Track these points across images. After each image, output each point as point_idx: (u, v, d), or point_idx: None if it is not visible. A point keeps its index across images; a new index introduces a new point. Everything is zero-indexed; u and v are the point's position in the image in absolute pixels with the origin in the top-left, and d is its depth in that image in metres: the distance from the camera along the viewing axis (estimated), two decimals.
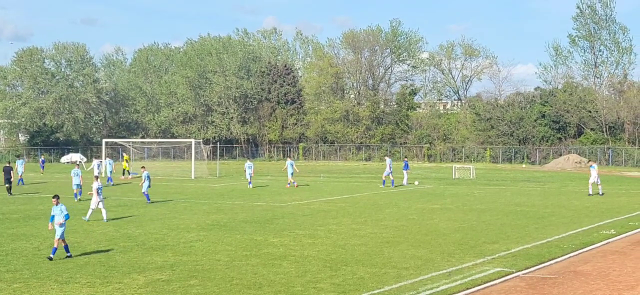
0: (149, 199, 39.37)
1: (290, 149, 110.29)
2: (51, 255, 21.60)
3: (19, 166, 57.61)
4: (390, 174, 53.53)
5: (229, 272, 19.59)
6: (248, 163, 54.89)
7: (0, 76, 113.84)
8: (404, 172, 56.41)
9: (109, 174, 56.62)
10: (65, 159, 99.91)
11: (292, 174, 53.50)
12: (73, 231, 27.55)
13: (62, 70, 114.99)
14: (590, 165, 48.66)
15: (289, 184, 53.11)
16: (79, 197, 42.20)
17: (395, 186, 52.27)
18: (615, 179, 64.81)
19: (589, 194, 44.70)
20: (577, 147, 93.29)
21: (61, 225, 22.09)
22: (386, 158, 58.56)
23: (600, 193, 44.85)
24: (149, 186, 40.38)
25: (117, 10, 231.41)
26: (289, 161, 54.88)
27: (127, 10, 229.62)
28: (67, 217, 22.34)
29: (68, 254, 22.05)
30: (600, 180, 45.89)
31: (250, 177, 53.12)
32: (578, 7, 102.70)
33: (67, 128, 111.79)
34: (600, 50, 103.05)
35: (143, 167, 41.03)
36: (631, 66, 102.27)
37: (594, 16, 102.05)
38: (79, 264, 20.91)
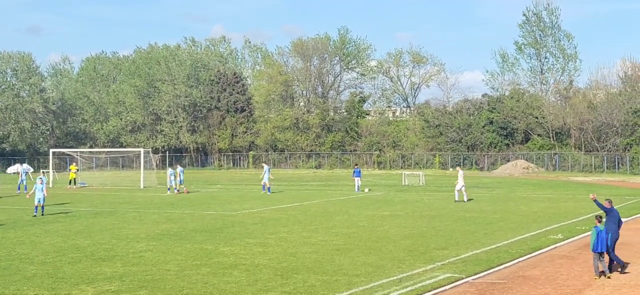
0: (38, 211, 37.16)
1: (240, 157, 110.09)
2: None
3: None
4: (267, 181, 54.38)
5: (179, 282, 19.46)
6: (170, 170, 56.33)
7: None
8: (355, 179, 56.65)
9: (21, 181, 57.61)
10: (11, 169, 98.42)
11: (181, 182, 55.45)
12: (20, 243, 27.18)
13: (8, 79, 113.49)
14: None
15: (178, 190, 54.63)
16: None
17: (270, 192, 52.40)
18: (562, 184, 65.72)
19: (455, 201, 44.33)
20: (525, 153, 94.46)
21: None
22: (264, 164, 59.39)
23: (465, 200, 44.51)
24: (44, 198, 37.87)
25: (63, 19, 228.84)
26: (179, 168, 56.87)
27: (73, 19, 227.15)
28: None
29: None
30: (465, 187, 45.42)
31: (172, 183, 54.63)
32: (524, 14, 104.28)
33: (13, 138, 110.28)
34: (546, 57, 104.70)
35: (40, 178, 39.93)
36: (576, 73, 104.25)
37: (540, 24, 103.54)
38: (27, 275, 20.61)
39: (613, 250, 20.45)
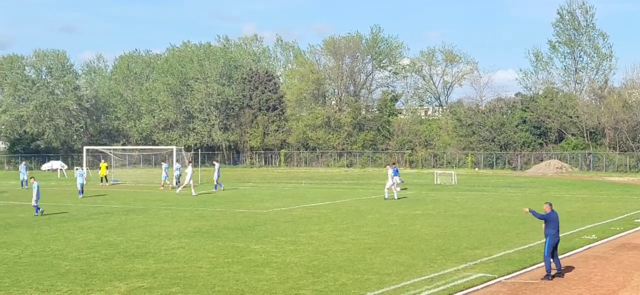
0: (37, 212, 36.50)
1: (271, 156, 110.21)
2: None
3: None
4: (217, 178, 56.40)
5: (210, 279, 19.51)
6: (165, 165, 59.80)
7: None
8: (394, 178, 56.83)
9: (23, 177, 60.43)
10: (46, 166, 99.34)
11: (166, 177, 58.48)
12: (54, 238, 27.41)
13: (43, 77, 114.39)
14: (394, 169, 49.29)
15: (163, 186, 57.88)
16: (82, 195, 48.36)
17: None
18: (596, 184, 65.10)
19: (385, 198, 45.72)
20: (558, 153, 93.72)
21: None
22: (215, 162, 60.78)
23: (395, 197, 45.81)
24: (38, 198, 37.10)
25: (95, 18, 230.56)
26: (164, 165, 60.22)
27: (105, 18, 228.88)
28: None
29: None
30: (396, 185, 46.81)
31: (166, 178, 57.11)
32: (558, 13, 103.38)
33: (47, 135, 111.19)
34: (580, 57, 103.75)
35: (32, 178, 40.16)
36: (611, 72, 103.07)
37: (574, 22, 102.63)
38: (60, 272, 20.78)
39: (554, 254, 20.12)
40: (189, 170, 52.35)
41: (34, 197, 36.80)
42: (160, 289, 18.52)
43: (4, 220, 34.48)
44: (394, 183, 46.40)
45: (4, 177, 78.09)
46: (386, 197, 45.98)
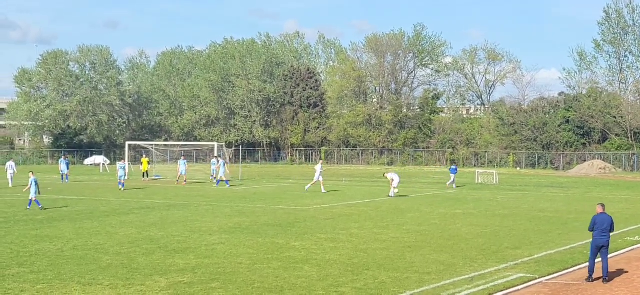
0: (39, 204, 36.53)
1: (312, 153, 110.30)
2: None
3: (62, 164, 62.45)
4: (223, 174, 56.68)
5: (250, 276, 19.59)
6: (182, 161, 60.10)
7: (25, 78, 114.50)
8: (452, 175, 57.36)
9: (64, 171, 61.06)
10: (88, 161, 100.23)
11: (184, 172, 59.18)
12: (95, 233, 27.68)
13: (87, 73, 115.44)
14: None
15: (182, 181, 58.83)
16: (123, 187, 50.71)
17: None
18: None
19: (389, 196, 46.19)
20: (602, 153, 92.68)
21: None
22: (219, 158, 61.08)
23: (391, 194, 46.40)
24: (38, 192, 37.15)
25: (138, 15, 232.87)
26: (182, 160, 60.82)
27: (147, 15, 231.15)
28: None
29: None
30: (397, 184, 46.90)
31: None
32: (605, 11, 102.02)
33: (90, 130, 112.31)
34: (625, 56, 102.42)
35: (31, 172, 40.08)
36: None
37: (621, 21, 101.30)
38: (102, 266, 20.99)
39: (603, 257, 19.75)
40: (319, 168, 51.21)
41: (32, 192, 36.82)
42: (200, 284, 18.63)
43: (47, 213, 34.89)
44: (396, 185, 46.79)
45: (48, 171, 78.97)
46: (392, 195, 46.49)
